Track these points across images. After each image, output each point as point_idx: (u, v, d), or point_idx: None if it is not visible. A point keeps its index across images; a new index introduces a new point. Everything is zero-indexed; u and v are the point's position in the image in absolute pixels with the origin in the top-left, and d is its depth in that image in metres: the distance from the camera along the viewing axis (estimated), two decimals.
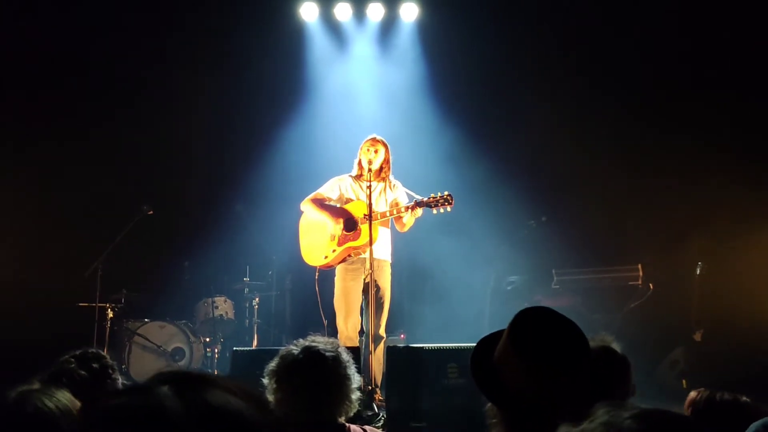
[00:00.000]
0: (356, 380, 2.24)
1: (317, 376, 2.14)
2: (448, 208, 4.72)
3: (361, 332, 4.75)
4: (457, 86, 7.35)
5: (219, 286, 6.97)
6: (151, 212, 6.20)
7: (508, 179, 6.94)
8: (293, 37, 7.47)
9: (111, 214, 6.62)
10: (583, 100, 7.07)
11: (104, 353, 2.29)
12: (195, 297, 6.93)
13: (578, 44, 7.17)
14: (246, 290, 7.00)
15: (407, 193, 5.00)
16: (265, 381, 2.20)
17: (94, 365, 2.18)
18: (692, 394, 2.35)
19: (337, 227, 4.83)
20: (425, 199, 4.73)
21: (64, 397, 1.37)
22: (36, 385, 1.39)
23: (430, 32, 7.42)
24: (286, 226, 5.37)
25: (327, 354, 2.19)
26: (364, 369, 4.38)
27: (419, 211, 4.73)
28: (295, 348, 2.22)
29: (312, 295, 4.97)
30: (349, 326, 4.77)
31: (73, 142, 6.95)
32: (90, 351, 2.26)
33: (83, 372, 2.14)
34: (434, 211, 4.74)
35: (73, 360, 2.18)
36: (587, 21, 7.10)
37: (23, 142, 6.84)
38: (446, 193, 4.71)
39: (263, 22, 7.27)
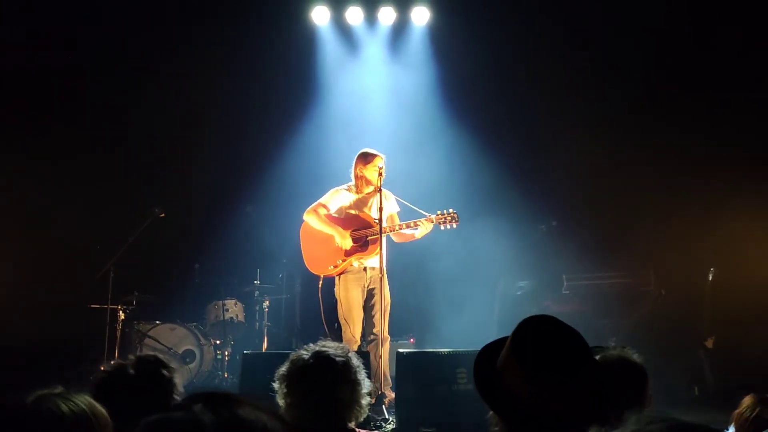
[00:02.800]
0: (366, 385, 2.24)
1: (327, 381, 2.14)
2: (455, 225, 4.88)
3: (364, 337, 4.91)
4: (468, 90, 7.34)
5: (229, 288, 6.99)
6: (163, 215, 6.24)
7: (518, 183, 6.92)
8: (305, 40, 7.49)
9: (122, 216, 6.66)
10: (595, 103, 7.03)
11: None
12: (205, 299, 6.95)
13: (589, 47, 7.14)
14: (256, 293, 7.01)
15: (397, 200, 5.13)
16: (276, 385, 2.20)
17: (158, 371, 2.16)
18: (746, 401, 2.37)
19: (347, 240, 4.95)
20: (433, 216, 4.89)
21: (83, 402, 1.37)
22: (58, 389, 1.40)
23: (442, 36, 7.41)
24: (297, 229, 5.39)
25: (337, 359, 2.19)
26: (373, 374, 4.39)
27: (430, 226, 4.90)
28: (305, 353, 2.22)
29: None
30: (356, 332, 4.89)
31: (84, 143, 6.99)
32: (150, 355, 2.27)
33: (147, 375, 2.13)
34: (441, 227, 4.85)
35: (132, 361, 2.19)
36: (598, 25, 7.07)
37: (34, 144, 6.89)
38: (452, 210, 4.89)
39: (275, 25, 7.29)
